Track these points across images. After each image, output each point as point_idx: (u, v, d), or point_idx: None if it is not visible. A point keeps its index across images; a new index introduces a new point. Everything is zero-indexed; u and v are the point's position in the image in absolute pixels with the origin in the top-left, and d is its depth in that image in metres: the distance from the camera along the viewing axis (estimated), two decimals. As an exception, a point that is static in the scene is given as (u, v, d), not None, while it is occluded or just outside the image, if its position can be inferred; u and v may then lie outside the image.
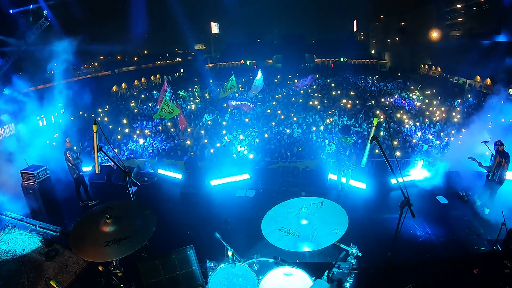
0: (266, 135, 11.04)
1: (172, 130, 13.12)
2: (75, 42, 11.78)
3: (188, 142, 11.07)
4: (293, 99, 17.91)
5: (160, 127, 13.62)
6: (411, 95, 18.88)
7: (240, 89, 20.63)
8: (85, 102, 16.01)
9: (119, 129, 13.10)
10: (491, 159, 6.33)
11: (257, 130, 11.62)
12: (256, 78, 16.69)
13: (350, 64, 41.01)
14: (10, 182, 7.85)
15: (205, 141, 11.14)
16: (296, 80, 18.51)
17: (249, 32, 42.66)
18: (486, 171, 6.43)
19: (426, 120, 13.11)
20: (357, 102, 17.07)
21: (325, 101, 17.20)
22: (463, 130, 10.73)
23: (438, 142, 10.58)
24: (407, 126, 12.45)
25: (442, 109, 15.05)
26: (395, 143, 10.15)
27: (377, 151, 8.60)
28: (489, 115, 10.65)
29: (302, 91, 20.56)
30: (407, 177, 7.85)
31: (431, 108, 15.36)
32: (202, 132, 12.25)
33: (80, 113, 16.08)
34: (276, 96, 18.81)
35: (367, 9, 39.68)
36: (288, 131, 11.91)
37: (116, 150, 10.84)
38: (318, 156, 9.66)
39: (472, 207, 6.71)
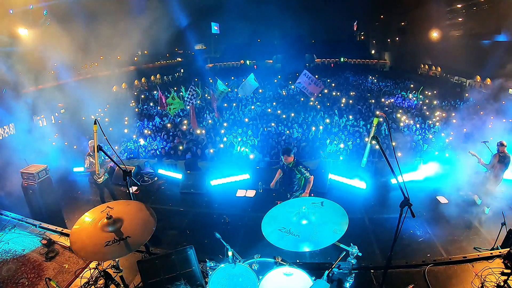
0: (255, 141, 10.97)
1: (172, 130, 13.14)
2: (75, 42, 11.79)
3: (198, 131, 11.87)
4: (302, 99, 17.82)
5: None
6: (411, 95, 18.90)
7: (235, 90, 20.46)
8: (85, 102, 16.00)
9: (127, 131, 13.14)
10: (491, 158, 6.37)
11: (256, 138, 11.49)
12: (251, 78, 16.32)
13: (350, 64, 41.03)
14: (10, 182, 7.87)
15: (201, 131, 11.68)
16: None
17: (249, 32, 42.64)
18: (486, 169, 6.46)
19: (428, 120, 13.10)
20: (357, 102, 17.08)
21: (328, 104, 17.16)
22: (464, 130, 10.75)
23: (438, 141, 10.59)
24: (407, 125, 12.46)
25: (442, 109, 15.06)
26: (395, 143, 10.15)
27: (377, 147, 8.59)
28: (492, 117, 10.66)
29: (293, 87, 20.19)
30: (407, 177, 7.85)
31: (433, 109, 15.37)
32: (198, 131, 12.27)
33: (81, 113, 16.08)
34: (275, 100, 18.77)
35: (367, 9, 39.67)
36: (288, 132, 11.92)
37: (116, 147, 10.85)
38: (318, 156, 9.66)
39: (472, 207, 6.70)
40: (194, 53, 42.30)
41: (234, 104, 16.54)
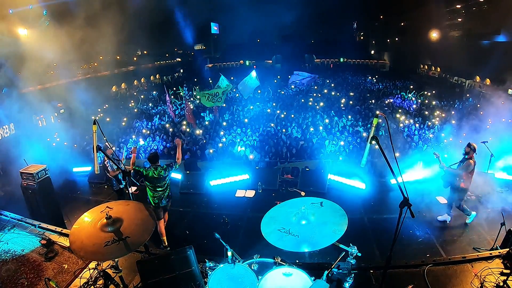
0: (254, 141, 10.95)
1: (171, 130, 13.14)
2: (74, 42, 11.81)
3: (198, 132, 12.00)
4: (303, 100, 17.89)
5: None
6: (410, 95, 18.93)
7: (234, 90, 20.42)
8: (84, 102, 16.03)
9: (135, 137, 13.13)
10: (460, 163, 5.82)
11: (256, 139, 11.43)
12: (251, 75, 16.11)
13: (350, 64, 41.06)
14: (9, 182, 7.86)
15: (200, 131, 11.83)
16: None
17: (249, 32, 42.69)
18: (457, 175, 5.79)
19: (428, 121, 13.11)
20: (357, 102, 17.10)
21: (323, 103, 17.18)
22: (463, 130, 10.76)
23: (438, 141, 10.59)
24: (406, 126, 12.47)
25: (442, 109, 15.08)
26: (393, 145, 10.14)
27: (376, 147, 8.58)
28: (490, 120, 10.67)
29: (293, 87, 21.03)
30: (407, 177, 7.84)
31: (432, 109, 15.38)
32: (198, 131, 12.30)
33: (80, 113, 16.09)
34: (275, 101, 18.78)
35: (367, 9, 39.69)
36: (284, 130, 11.93)
37: (114, 147, 10.85)
38: (318, 156, 9.67)
39: (472, 207, 6.68)
40: (194, 53, 42.31)
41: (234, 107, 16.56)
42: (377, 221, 6.49)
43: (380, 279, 3.23)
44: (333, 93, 20.14)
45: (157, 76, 35.34)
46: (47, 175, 6.28)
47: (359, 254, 2.94)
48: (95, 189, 8.72)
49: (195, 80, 29.79)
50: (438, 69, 29.13)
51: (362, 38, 48.23)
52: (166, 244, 5.68)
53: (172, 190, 8.30)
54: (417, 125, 12.55)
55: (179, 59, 41.69)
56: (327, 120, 13.11)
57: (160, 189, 5.37)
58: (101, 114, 16.37)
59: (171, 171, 5.45)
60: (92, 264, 3.80)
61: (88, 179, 9.09)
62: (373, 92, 21.87)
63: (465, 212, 6.08)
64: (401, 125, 12.61)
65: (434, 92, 19.52)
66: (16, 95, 10.78)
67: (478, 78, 22.24)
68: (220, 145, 10.59)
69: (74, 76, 20.76)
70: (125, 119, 15.37)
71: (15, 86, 10.84)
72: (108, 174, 6.70)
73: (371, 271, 3.74)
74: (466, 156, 5.74)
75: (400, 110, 14.89)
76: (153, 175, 5.22)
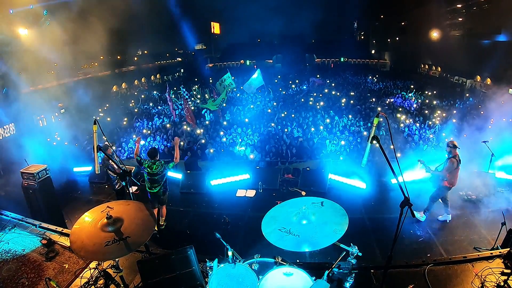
0: (255, 141, 10.95)
1: (172, 129, 13.13)
2: (74, 41, 11.84)
3: (198, 131, 12.13)
4: (303, 99, 17.94)
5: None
6: (411, 94, 18.92)
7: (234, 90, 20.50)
8: (85, 102, 16.07)
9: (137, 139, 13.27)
10: (447, 164, 5.77)
11: (256, 139, 11.38)
12: (253, 77, 16.36)
13: (350, 64, 41.02)
14: (10, 182, 7.88)
15: (201, 131, 11.98)
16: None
17: (249, 32, 42.68)
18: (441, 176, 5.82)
19: (428, 121, 13.09)
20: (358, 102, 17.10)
21: (323, 102, 17.18)
22: (463, 130, 10.74)
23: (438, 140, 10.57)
24: (407, 125, 12.45)
25: (442, 109, 15.06)
26: (394, 144, 10.12)
27: (377, 145, 8.56)
28: (492, 120, 10.65)
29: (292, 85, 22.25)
30: (407, 177, 7.83)
31: (433, 108, 15.36)
32: (198, 131, 12.30)
33: (81, 112, 16.12)
34: (275, 100, 18.79)
35: (367, 9, 39.64)
36: (286, 130, 11.92)
37: (114, 147, 10.87)
38: (318, 156, 9.66)
39: (472, 206, 6.68)
40: (194, 53, 42.32)
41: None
42: (378, 220, 6.49)
43: (381, 278, 3.23)
44: (333, 92, 20.12)
45: (158, 76, 35.37)
46: (48, 175, 6.29)
47: (360, 254, 2.93)
48: (95, 189, 8.73)
49: (196, 79, 29.82)
50: (439, 69, 29.08)
51: (362, 37, 48.16)
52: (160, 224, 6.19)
53: (172, 190, 8.32)
54: (417, 124, 12.52)
55: (180, 59, 41.70)
56: (328, 120, 13.10)
57: (156, 183, 5.89)
58: (102, 114, 16.38)
59: (168, 169, 5.91)
60: (93, 264, 3.81)
61: (89, 179, 9.10)
62: (373, 92, 21.85)
63: (427, 209, 6.16)
64: (402, 125, 12.59)
65: (434, 91, 19.50)
66: (16, 95, 10.80)
67: (478, 78, 22.20)
68: (222, 150, 10.57)
69: (75, 76, 20.80)
70: (125, 118, 15.37)
71: (15, 86, 10.85)
72: (112, 172, 6.77)
73: (372, 271, 3.74)
74: (450, 156, 5.76)
75: (400, 110, 14.87)
76: (150, 169, 5.73)
